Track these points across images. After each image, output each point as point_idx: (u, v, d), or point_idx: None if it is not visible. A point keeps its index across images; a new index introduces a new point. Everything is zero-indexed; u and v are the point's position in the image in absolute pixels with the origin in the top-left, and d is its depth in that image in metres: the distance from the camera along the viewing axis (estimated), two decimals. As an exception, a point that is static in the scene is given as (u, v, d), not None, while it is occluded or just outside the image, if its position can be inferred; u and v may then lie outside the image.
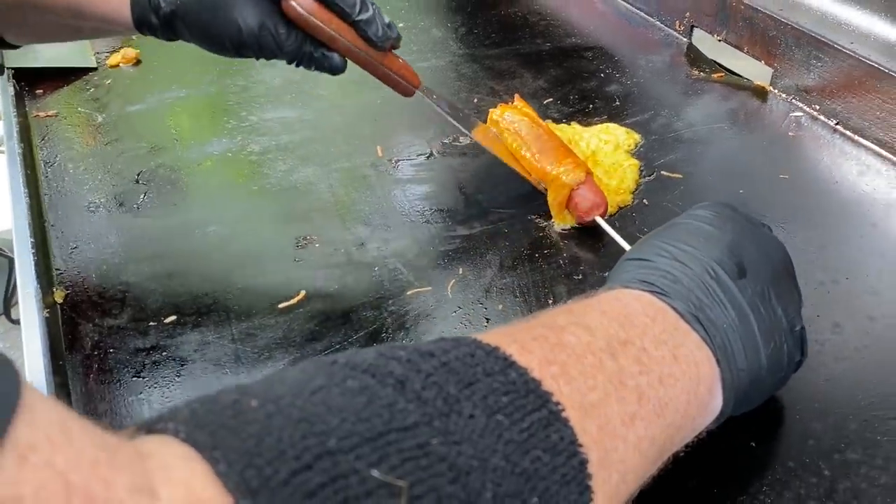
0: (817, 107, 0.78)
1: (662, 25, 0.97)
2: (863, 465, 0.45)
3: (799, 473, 0.45)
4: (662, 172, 0.72)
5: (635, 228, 0.65)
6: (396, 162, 0.75)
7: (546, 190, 0.66)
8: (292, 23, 0.59)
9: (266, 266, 0.62)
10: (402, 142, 0.78)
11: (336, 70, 0.62)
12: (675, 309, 0.41)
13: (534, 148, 0.67)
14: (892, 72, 0.70)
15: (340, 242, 0.65)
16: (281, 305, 0.59)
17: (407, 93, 0.66)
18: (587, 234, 0.65)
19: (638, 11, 1.01)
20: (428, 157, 0.76)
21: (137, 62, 0.94)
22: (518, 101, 0.73)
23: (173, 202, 0.70)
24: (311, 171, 0.75)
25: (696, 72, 0.88)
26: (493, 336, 0.34)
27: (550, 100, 0.84)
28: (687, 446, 0.41)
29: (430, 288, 0.60)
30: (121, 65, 0.93)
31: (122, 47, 0.95)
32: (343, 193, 0.72)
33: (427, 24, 1.03)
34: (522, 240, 0.64)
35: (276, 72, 0.90)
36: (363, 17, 0.59)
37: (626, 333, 0.38)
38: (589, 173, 0.65)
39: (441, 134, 0.79)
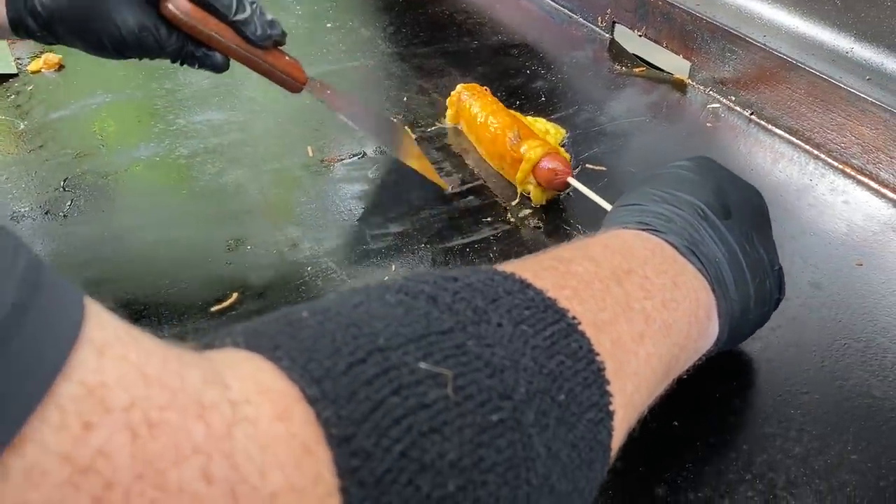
0: (733, 98, 0.81)
1: (585, 22, 0.99)
2: (778, 437, 0.48)
3: (719, 449, 0.47)
4: (587, 165, 0.74)
5: (562, 221, 0.67)
6: (328, 162, 0.76)
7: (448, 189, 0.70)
8: (171, 24, 0.58)
9: (197, 270, 0.62)
10: (334, 142, 0.78)
11: (218, 68, 0.62)
12: (671, 244, 0.43)
13: (496, 122, 0.71)
14: (800, 63, 0.73)
15: (272, 243, 0.65)
16: (213, 308, 0.58)
17: (293, 89, 0.65)
18: (512, 233, 0.66)
19: (562, 8, 1.03)
20: (360, 157, 0.76)
21: (60, 67, 0.92)
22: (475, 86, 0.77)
23: (101, 209, 0.69)
24: (240, 174, 0.74)
25: (619, 67, 0.90)
26: (507, 266, 0.36)
27: (478, 97, 0.85)
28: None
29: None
30: (43, 70, 0.91)
31: (43, 52, 0.93)
32: (274, 195, 0.72)
33: (355, 23, 1.03)
34: (454, 236, 0.66)
35: (204, 74, 0.89)
36: (240, 17, 0.58)
37: (628, 264, 0.40)
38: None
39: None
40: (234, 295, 0.60)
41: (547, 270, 0.37)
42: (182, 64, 0.61)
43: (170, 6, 0.57)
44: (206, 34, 0.59)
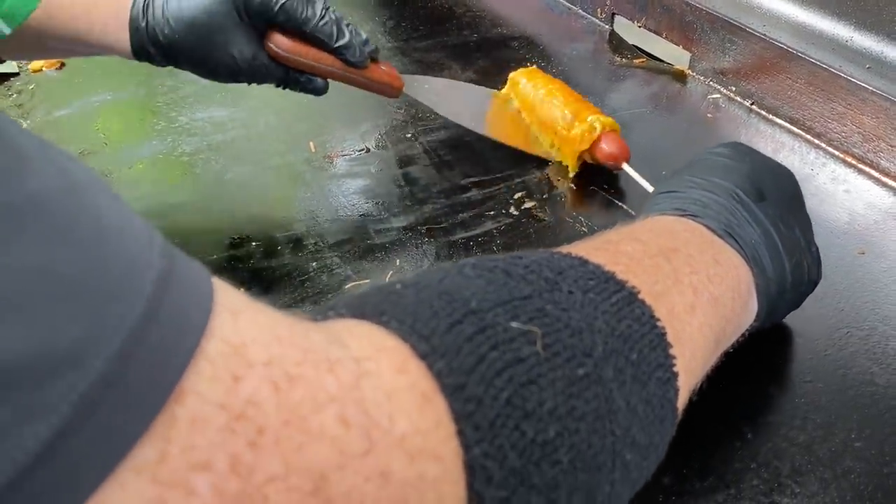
0: (733, 88, 0.81)
1: (585, 13, 0.99)
2: (783, 426, 0.48)
3: (724, 438, 0.48)
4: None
5: (565, 213, 0.67)
6: (331, 157, 0.76)
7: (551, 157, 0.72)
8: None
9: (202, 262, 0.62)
10: (337, 137, 0.79)
11: (319, 92, 0.66)
12: (708, 228, 0.45)
13: (558, 100, 0.72)
14: (800, 53, 0.73)
15: (276, 239, 0.65)
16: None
17: (392, 96, 0.69)
18: (515, 226, 0.67)
19: (561, 0, 1.03)
20: (362, 152, 0.76)
21: (62, 66, 0.92)
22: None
23: (105, 207, 0.69)
24: (244, 170, 0.75)
25: (619, 58, 0.91)
26: (559, 250, 0.38)
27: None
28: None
29: (367, 281, 0.61)
30: (44, 69, 0.91)
31: (44, 51, 0.93)
32: (277, 191, 0.72)
33: (356, 18, 1.03)
34: (457, 229, 0.66)
35: (205, 71, 0.90)
36: (341, 42, 0.62)
37: (673, 243, 0.42)
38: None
39: (375, 128, 0.80)
40: (241, 290, 0.60)
41: (598, 251, 0.39)
42: (285, 88, 0.66)
43: (272, 45, 0.61)
44: (308, 65, 0.62)
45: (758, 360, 0.53)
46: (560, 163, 0.72)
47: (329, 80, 0.65)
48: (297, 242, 0.65)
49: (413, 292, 0.30)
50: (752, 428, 0.48)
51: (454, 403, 0.27)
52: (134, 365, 0.20)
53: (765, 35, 0.76)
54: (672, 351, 0.35)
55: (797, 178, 0.52)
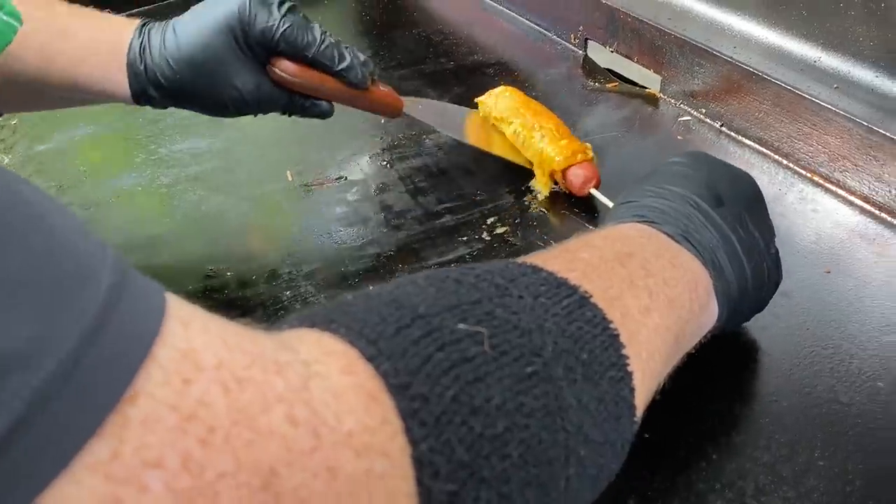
0: (703, 110, 0.82)
1: (559, 39, 1.01)
2: (747, 446, 0.49)
3: (689, 459, 0.48)
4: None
5: (536, 237, 0.68)
6: (308, 186, 0.77)
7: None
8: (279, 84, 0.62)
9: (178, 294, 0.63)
10: (314, 166, 0.80)
11: (325, 115, 0.66)
12: (665, 233, 0.46)
13: (531, 123, 0.74)
14: (765, 75, 0.74)
15: (252, 269, 0.66)
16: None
17: (393, 115, 0.70)
18: (487, 251, 0.67)
19: (536, 27, 1.05)
20: (339, 180, 0.77)
21: (42, 100, 0.93)
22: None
23: (83, 240, 0.70)
24: (221, 201, 0.76)
25: (592, 83, 0.92)
26: (516, 259, 0.40)
27: (455, 117, 0.86)
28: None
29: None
30: (25, 104, 0.92)
31: (25, 86, 0.94)
32: (254, 221, 0.73)
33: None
34: (430, 255, 0.67)
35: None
36: (343, 65, 0.62)
37: (629, 248, 0.43)
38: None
39: (352, 157, 0.81)
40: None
41: (555, 259, 0.40)
42: (290, 115, 0.66)
43: (277, 70, 0.61)
44: (313, 88, 0.63)
45: (723, 380, 0.54)
46: (531, 189, 0.73)
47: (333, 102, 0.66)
48: (272, 272, 0.66)
49: (363, 301, 0.32)
50: (716, 448, 0.49)
51: (400, 402, 0.28)
52: (86, 366, 0.21)
53: (731, 58, 0.77)
54: (625, 351, 0.36)
55: (767, 197, 0.53)
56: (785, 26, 0.80)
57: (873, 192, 0.67)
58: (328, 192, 0.76)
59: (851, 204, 0.69)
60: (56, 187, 0.78)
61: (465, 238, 0.69)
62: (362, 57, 0.64)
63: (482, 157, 0.78)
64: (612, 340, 0.36)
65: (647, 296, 0.40)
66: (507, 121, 0.77)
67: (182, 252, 0.69)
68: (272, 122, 0.86)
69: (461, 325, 0.31)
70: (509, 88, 0.81)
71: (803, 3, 0.77)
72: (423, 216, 0.72)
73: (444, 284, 0.34)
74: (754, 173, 0.75)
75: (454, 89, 0.91)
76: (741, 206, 0.50)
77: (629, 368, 0.36)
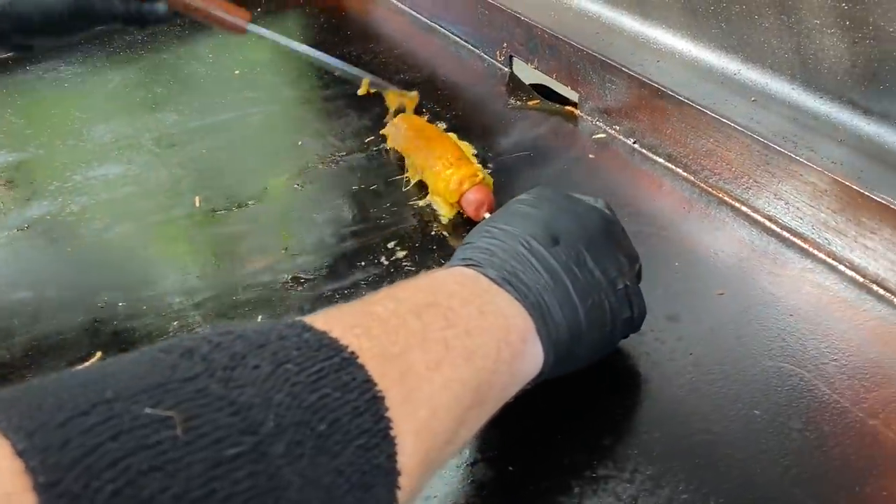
0: (618, 127, 0.81)
1: (486, 56, 1.00)
2: (612, 479, 0.47)
3: (550, 494, 0.47)
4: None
5: (435, 263, 0.67)
6: (214, 211, 0.76)
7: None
8: None
9: (65, 327, 0.62)
10: (222, 191, 0.79)
11: (162, 19, 0.67)
12: (487, 276, 0.45)
13: (425, 148, 0.74)
14: (669, 90, 0.73)
15: (144, 298, 0.65)
16: (76, 368, 0.58)
17: (238, 30, 0.70)
18: (383, 277, 0.66)
19: (465, 44, 1.04)
20: (248, 205, 0.76)
21: (-36, 128, 0.92)
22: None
23: (-21, 272, 0.69)
24: (126, 228, 0.75)
25: (514, 100, 0.91)
26: (319, 313, 0.39)
27: (371, 138, 0.85)
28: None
29: (99, 354, 0.60)
30: (-54, 132, 0.91)
31: (-54, 114, 0.93)
32: (155, 248, 0.72)
33: (262, 70, 1.04)
34: (326, 282, 0.66)
35: (110, 127, 0.90)
36: None
37: (433, 298, 0.42)
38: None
39: (262, 180, 0.80)
40: (98, 353, 0.59)
41: (346, 314, 0.39)
42: (131, 25, 0.67)
43: None
44: None
45: (596, 409, 0.52)
46: (435, 212, 0.72)
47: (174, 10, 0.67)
48: (163, 302, 0.65)
49: (48, 384, 0.30)
50: (580, 482, 0.47)
51: (46, 501, 0.26)
52: None
53: (638, 74, 0.76)
54: (390, 413, 0.35)
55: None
56: (706, 39, 0.79)
57: (773, 210, 0.66)
58: (233, 219, 0.75)
59: (754, 222, 0.68)
60: (-36, 217, 0.77)
61: (362, 263, 0.67)
62: None
63: (394, 181, 0.77)
64: (370, 404, 0.34)
65: (441, 349, 0.39)
66: (406, 154, 0.77)
67: (80, 281, 0.68)
68: (187, 146, 0.86)
69: (147, 410, 0.29)
70: (405, 118, 0.81)
71: (722, 16, 0.75)
72: (326, 241, 0.71)
73: (166, 358, 0.32)
74: (665, 191, 0.74)
75: (374, 109, 0.89)
76: (581, 244, 0.48)
77: (391, 433, 0.35)
